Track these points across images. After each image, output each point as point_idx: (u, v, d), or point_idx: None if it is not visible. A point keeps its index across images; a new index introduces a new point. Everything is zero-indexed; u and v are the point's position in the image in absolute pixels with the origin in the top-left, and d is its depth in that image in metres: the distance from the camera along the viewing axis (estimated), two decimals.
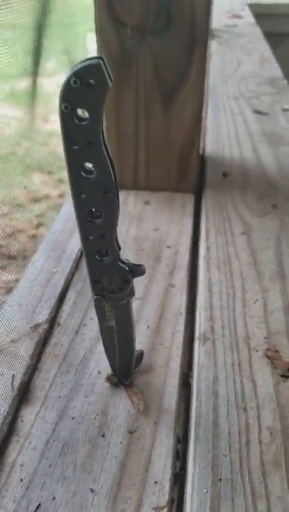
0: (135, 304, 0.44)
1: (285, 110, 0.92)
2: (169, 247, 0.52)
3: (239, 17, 1.85)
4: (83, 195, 0.26)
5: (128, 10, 0.51)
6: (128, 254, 0.51)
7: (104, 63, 0.22)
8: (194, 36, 0.51)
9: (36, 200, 2.05)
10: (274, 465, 0.31)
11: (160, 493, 0.30)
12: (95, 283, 0.30)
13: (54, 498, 0.30)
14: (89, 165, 0.25)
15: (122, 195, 0.61)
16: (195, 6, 0.50)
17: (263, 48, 1.37)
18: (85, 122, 0.23)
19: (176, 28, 0.51)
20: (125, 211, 0.59)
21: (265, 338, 0.41)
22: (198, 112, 0.57)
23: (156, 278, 0.48)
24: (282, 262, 0.50)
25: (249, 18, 1.84)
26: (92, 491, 0.30)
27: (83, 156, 0.25)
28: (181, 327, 0.42)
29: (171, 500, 0.30)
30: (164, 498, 0.30)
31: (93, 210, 0.27)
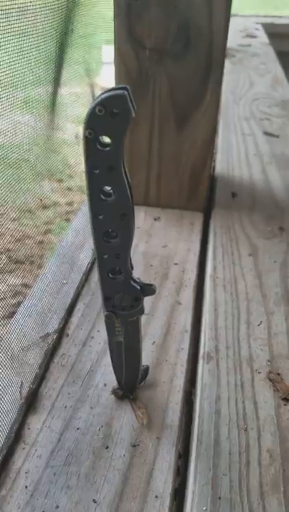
0: (142, 319, 0.46)
1: None
2: (176, 264, 0.54)
3: (253, 36, 1.89)
4: (101, 216, 0.27)
5: (148, 32, 0.53)
6: (137, 269, 0.52)
7: (129, 94, 0.23)
8: (211, 61, 0.53)
9: (45, 207, 2.08)
10: (272, 487, 0.32)
11: (160, 508, 0.31)
12: (106, 300, 0.31)
13: (57, 507, 0.31)
14: (108, 188, 0.27)
15: None
16: (213, 33, 0.52)
17: (276, 69, 1.40)
18: (107, 148, 0.25)
19: (194, 53, 0.53)
20: (136, 226, 0.60)
21: (268, 360, 0.42)
22: (212, 134, 0.58)
23: (163, 295, 0.49)
24: (287, 285, 0.51)
25: (263, 37, 1.87)
26: (94, 501, 0.31)
27: (103, 180, 0.26)
28: (186, 344, 0.43)
29: None
30: None
31: (110, 230, 0.28)
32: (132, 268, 0.31)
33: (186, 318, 0.46)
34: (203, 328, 0.45)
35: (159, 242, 0.57)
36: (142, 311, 0.32)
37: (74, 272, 0.50)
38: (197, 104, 0.56)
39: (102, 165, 0.25)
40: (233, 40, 1.73)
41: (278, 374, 0.40)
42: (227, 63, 1.43)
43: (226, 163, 0.78)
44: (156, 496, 0.32)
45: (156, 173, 0.62)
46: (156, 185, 0.63)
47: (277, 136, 0.91)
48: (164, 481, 0.33)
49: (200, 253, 0.56)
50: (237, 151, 0.83)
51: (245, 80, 1.27)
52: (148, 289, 0.31)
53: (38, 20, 0.54)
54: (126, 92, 0.23)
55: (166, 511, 0.31)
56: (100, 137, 0.25)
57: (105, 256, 0.29)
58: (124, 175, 0.26)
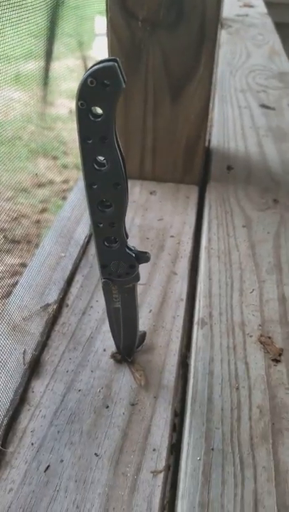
0: (139, 289, 0.47)
1: None
2: (172, 236, 0.55)
3: (251, 6, 1.85)
4: (95, 186, 0.29)
5: (140, 2, 0.53)
6: (133, 242, 0.54)
7: (119, 66, 0.24)
8: (204, 32, 0.53)
9: (40, 185, 2.07)
10: (261, 439, 0.34)
11: (158, 459, 0.34)
12: (103, 267, 0.33)
13: (62, 461, 0.33)
14: (101, 158, 0.28)
15: (128, 184, 0.63)
16: (206, 4, 0.52)
17: (274, 40, 1.38)
18: (99, 119, 0.26)
19: (187, 23, 0.53)
20: (131, 200, 0.61)
21: (260, 325, 0.44)
22: (205, 107, 0.59)
23: (160, 266, 0.51)
24: (279, 255, 0.53)
25: (261, 7, 1.83)
26: (96, 455, 0.34)
27: (96, 150, 0.27)
28: (181, 312, 0.45)
29: (167, 466, 0.34)
30: (162, 464, 0.33)
31: (104, 200, 0.30)
32: (127, 237, 0.32)
33: (181, 287, 0.48)
34: (198, 296, 0.47)
35: (155, 215, 0.59)
36: (137, 278, 0.34)
37: (71, 246, 0.52)
38: (191, 76, 0.56)
39: (95, 135, 0.27)
40: (230, 10, 1.69)
41: (269, 337, 0.42)
42: (223, 34, 1.41)
43: (221, 136, 0.79)
44: (154, 449, 0.34)
45: (151, 146, 0.63)
46: (152, 159, 0.64)
47: (274, 109, 0.91)
48: (161, 436, 0.35)
49: (195, 225, 0.58)
50: (233, 124, 0.83)
51: (242, 51, 1.25)
52: (142, 257, 0.32)
53: None
54: (116, 64, 0.24)
55: (163, 462, 0.33)
56: (92, 108, 0.26)
57: (100, 225, 0.31)
58: (116, 145, 0.27)
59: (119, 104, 0.63)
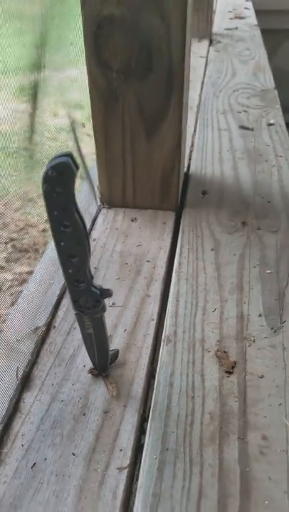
0: (116, 311, 0.55)
1: (269, 125, 1.01)
2: (148, 261, 0.63)
3: (242, 17, 1.91)
4: (62, 243, 0.36)
5: (114, 56, 0.60)
6: (114, 267, 0.61)
7: (72, 159, 0.32)
8: (171, 82, 0.60)
9: None
10: (210, 440, 0.42)
11: (124, 458, 0.41)
12: (74, 302, 0.40)
13: (45, 459, 0.41)
14: (66, 223, 0.36)
15: (112, 212, 0.71)
16: (172, 57, 0.59)
17: (260, 54, 1.44)
18: (60, 196, 0.34)
19: (155, 74, 0.60)
20: (114, 227, 0.69)
21: (218, 341, 0.51)
22: (177, 144, 0.66)
23: (136, 289, 0.58)
24: (242, 276, 0.60)
25: (252, 18, 1.89)
26: (73, 454, 0.41)
27: (61, 218, 0.35)
28: (151, 330, 0.53)
29: (131, 463, 0.41)
30: (126, 461, 0.41)
31: (70, 253, 0.37)
32: (92, 277, 0.40)
33: (153, 308, 0.55)
34: (166, 316, 0.54)
35: (134, 241, 0.66)
36: (103, 310, 0.41)
37: (59, 274, 0.59)
38: (162, 118, 0.64)
39: (58, 207, 0.34)
40: (220, 23, 1.76)
41: (224, 352, 0.50)
42: (211, 51, 1.48)
43: (200, 161, 0.86)
44: (121, 450, 0.42)
45: (131, 178, 0.70)
46: (132, 189, 0.71)
47: (252, 129, 0.98)
48: (127, 438, 0.43)
49: (170, 250, 0.65)
50: (211, 148, 0.90)
51: (228, 68, 1.32)
52: (106, 293, 0.40)
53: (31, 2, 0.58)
54: (70, 159, 0.32)
55: (128, 460, 0.41)
56: (55, 189, 0.33)
57: (70, 271, 0.38)
58: (76, 213, 0.35)
59: (99, 140, 0.70)
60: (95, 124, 0.66)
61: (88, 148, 0.77)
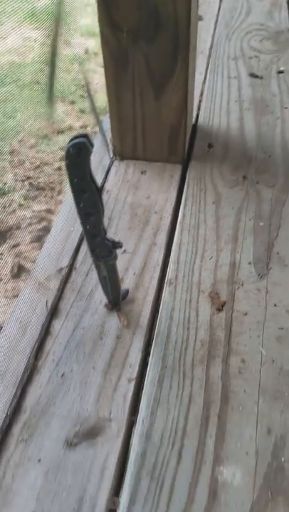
0: (127, 257, 0.65)
1: (279, 72, 1.03)
2: (156, 212, 0.71)
3: None
4: (81, 205, 0.45)
5: (123, 18, 0.64)
6: (125, 218, 0.70)
7: (88, 139, 0.40)
8: (177, 43, 0.65)
9: (60, 131, 2.16)
10: (199, 361, 0.53)
11: (132, 372, 0.53)
12: (92, 251, 0.50)
13: (72, 371, 0.53)
14: (84, 189, 0.44)
15: (124, 164, 0.79)
16: (178, 20, 0.63)
17: None
18: (79, 169, 0.42)
19: (163, 36, 0.64)
20: (125, 180, 0.76)
21: (212, 284, 0.61)
22: (184, 100, 0.71)
23: (144, 238, 0.67)
24: (238, 228, 0.68)
25: None
26: (93, 368, 0.53)
27: (80, 185, 0.43)
28: (157, 274, 0.63)
29: (138, 376, 0.53)
30: (134, 374, 0.53)
31: (87, 212, 0.46)
32: (105, 232, 0.49)
33: (158, 255, 0.65)
34: (169, 262, 0.64)
35: (143, 193, 0.74)
36: (115, 258, 0.51)
37: (78, 222, 0.68)
38: (169, 77, 0.69)
39: (77, 177, 0.42)
40: None
41: (216, 293, 0.60)
42: None
43: (208, 112, 0.91)
44: (130, 366, 0.54)
45: (141, 133, 0.76)
46: (142, 143, 0.78)
47: (262, 78, 1.00)
48: (135, 357, 0.54)
49: (175, 202, 0.73)
50: (220, 98, 0.94)
51: (243, 5, 1.29)
52: (116, 245, 0.49)
53: None
54: (85, 139, 0.39)
55: (135, 374, 0.53)
56: (74, 163, 0.41)
57: (87, 227, 0.47)
58: (91, 181, 0.43)
59: (111, 97, 0.75)
60: (107, 82, 0.71)
61: (103, 80, 0.76)
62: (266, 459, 0.44)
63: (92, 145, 0.40)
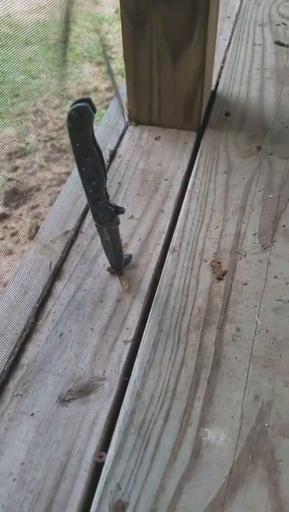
0: (134, 223, 0.65)
1: None
2: (166, 179, 0.71)
3: None
4: (84, 169, 0.45)
5: None
6: (135, 183, 0.70)
7: (90, 104, 0.39)
8: (196, 5, 0.62)
9: (86, 93, 2.13)
10: (195, 327, 0.54)
11: (129, 334, 0.54)
12: (95, 215, 0.50)
13: (70, 331, 0.55)
14: (86, 153, 0.44)
15: (138, 129, 0.78)
16: None
17: None
18: (81, 132, 0.42)
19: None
20: (139, 145, 0.76)
21: (215, 253, 0.61)
22: (201, 67, 0.69)
23: (152, 204, 0.67)
24: (246, 199, 0.67)
25: None
26: (91, 329, 0.55)
27: (82, 149, 0.43)
28: (161, 241, 0.63)
29: (134, 339, 0.54)
30: (130, 337, 0.54)
31: (90, 177, 0.46)
32: (108, 197, 0.49)
33: (165, 222, 0.65)
34: (175, 230, 0.64)
35: (155, 160, 0.74)
36: (117, 223, 0.51)
37: None
38: (187, 41, 0.67)
39: (80, 141, 0.42)
40: None
41: (218, 263, 0.60)
42: None
43: (228, 79, 0.88)
44: (127, 329, 0.55)
45: (157, 98, 0.75)
46: (158, 109, 0.77)
47: (287, 46, 0.96)
48: (133, 321, 0.55)
49: (187, 170, 0.72)
50: (242, 66, 0.91)
51: None
52: (119, 210, 0.50)
53: None
54: (87, 104, 0.39)
55: (131, 336, 0.54)
56: (76, 126, 0.41)
57: (90, 191, 0.48)
58: (94, 146, 0.43)
59: (128, 61, 0.74)
60: (125, 45, 0.70)
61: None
62: (250, 423, 0.45)
63: (94, 110, 0.40)
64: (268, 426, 0.45)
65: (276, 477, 0.42)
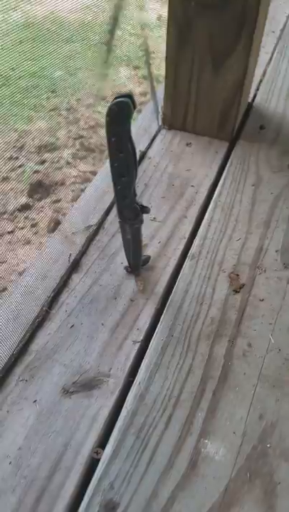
0: (155, 225, 0.65)
1: None
2: (193, 186, 0.70)
3: None
4: (116, 164, 0.45)
5: None
6: (161, 186, 0.70)
7: (131, 99, 0.40)
8: (244, 17, 0.62)
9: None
10: (206, 337, 0.53)
11: (139, 335, 0.54)
12: (119, 212, 0.51)
13: (82, 324, 0.55)
14: (121, 149, 0.44)
15: (170, 134, 0.78)
16: None
17: None
18: (119, 128, 0.42)
19: (230, 8, 0.62)
20: (169, 149, 0.76)
21: (234, 265, 0.60)
22: (241, 78, 0.69)
23: (176, 209, 0.67)
24: (272, 214, 0.67)
25: None
26: (102, 324, 0.55)
27: (117, 144, 0.44)
28: (181, 246, 0.63)
29: (144, 340, 0.54)
30: (140, 338, 0.54)
31: (121, 172, 0.46)
32: (136, 195, 0.49)
33: (187, 228, 0.65)
34: (196, 237, 0.64)
35: (185, 165, 0.73)
36: (141, 222, 0.51)
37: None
38: (230, 53, 0.66)
39: (116, 136, 0.43)
40: None
41: (237, 275, 0.59)
42: None
43: (266, 93, 0.87)
44: (138, 329, 0.55)
45: (194, 104, 0.75)
46: (193, 115, 0.77)
47: None
48: (144, 322, 0.55)
49: (215, 179, 0.72)
50: (281, 81, 0.90)
51: None
52: (144, 209, 0.50)
53: None
54: (129, 99, 0.39)
55: (141, 337, 0.54)
56: (115, 121, 0.41)
57: (119, 187, 0.48)
58: (129, 142, 0.43)
59: (170, 64, 0.73)
60: (168, 50, 0.70)
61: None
62: (252, 442, 0.44)
63: (135, 106, 0.40)
64: (270, 447, 0.44)
65: (273, 500, 0.41)
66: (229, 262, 0.60)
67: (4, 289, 1.20)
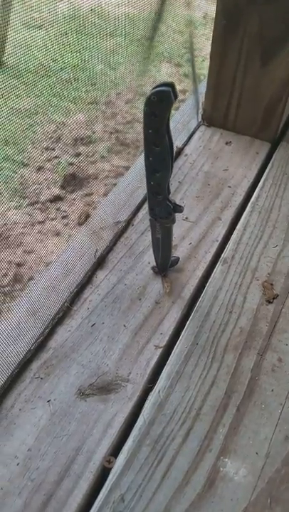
0: (187, 225, 0.62)
1: None
2: (229, 186, 0.67)
3: None
4: (151, 158, 0.43)
5: None
6: (196, 185, 0.67)
7: (172, 89, 0.37)
8: None
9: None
10: (233, 348, 0.50)
11: (162, 340, 0.51)
12: (151, 210, 0.48)
13: (103, 323, 0.53)
14: (157, 142, 0.41)
15: (210, 131, 0.75)
16: None
17: None
18: (156, 118, 0.39)
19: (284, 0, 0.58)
20: (207, 147, 0.72)
21: (268, 273, 0.57)
22: None
23: (210, 210, 0.64)
24: None
25: None
26: (124, 326, 0.52)
27: (154, 137, 0.41)
28: (213, 249, 0.60)
29: (166, 346, 0.51)
30: (163, 343, 0.51)
31: (155, 168, 0.44)
32: (169, 193, 0.46)
33: (220, 231, 0.62)
34: (230, 240, 0.60)
35: (222, 165, 0.70)
36: (173, 221, 0.49)
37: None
38: (281, 46, 0.62)
39: (153, 128, 0.40)
40: None
41: (271, 284, 0.55)
42: None
43: None
44: (161, 333, 0.52)
45: (237, 101, 0.72)
46: (235, 112, 0.73)
47: None
48: (168, 327, 0.52)
49: (253, 181, 0.68)
50: None
51: None
52: (177, 208, 0.47)
53: None
54: (170, 88, 0.36)
55: (164, 342, 0.51)
56: (153, 112, 0.39)
57: (152, 183, 0.45)
58: (166, 135, 0.40)
59: (215, 57, 0.70)
60: (214, 41, 0.66)
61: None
62: (275, 464, 0.41)
63: (176, 96, 0.37)
64: None
65: None
66: (263, 270, 0.57)
67: (31, 279, 1.20)
